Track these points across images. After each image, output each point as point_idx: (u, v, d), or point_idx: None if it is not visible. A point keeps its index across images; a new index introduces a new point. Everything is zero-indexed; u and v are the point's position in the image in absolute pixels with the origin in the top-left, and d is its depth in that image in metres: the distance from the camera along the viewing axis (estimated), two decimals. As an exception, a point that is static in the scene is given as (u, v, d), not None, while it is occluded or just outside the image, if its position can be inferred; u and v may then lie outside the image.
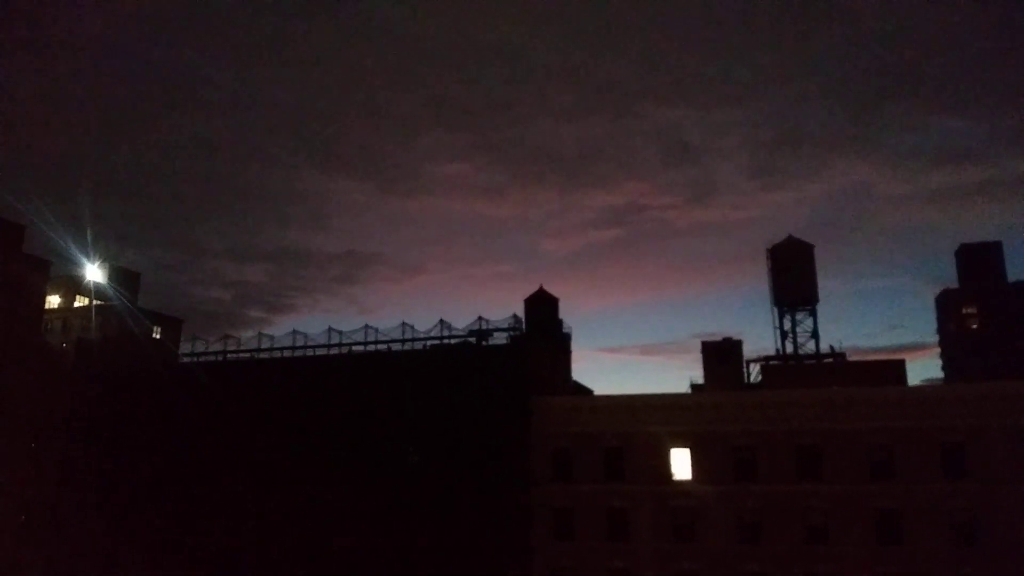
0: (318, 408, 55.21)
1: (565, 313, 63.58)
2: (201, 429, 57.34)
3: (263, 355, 60.81)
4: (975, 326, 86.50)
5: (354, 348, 58.36)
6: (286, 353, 60.29)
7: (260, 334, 62.22)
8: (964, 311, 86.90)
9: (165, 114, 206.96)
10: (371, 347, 58.01)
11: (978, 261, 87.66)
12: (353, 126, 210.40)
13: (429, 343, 57.17)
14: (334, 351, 58.73)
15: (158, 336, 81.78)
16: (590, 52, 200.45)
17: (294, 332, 60.68)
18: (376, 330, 58.19)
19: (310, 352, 59.49)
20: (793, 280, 72.32)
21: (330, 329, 59.26)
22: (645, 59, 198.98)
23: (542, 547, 49.34)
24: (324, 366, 57.56)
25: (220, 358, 61.74)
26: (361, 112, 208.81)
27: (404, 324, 57.51)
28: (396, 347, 57.44)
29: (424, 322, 56.59)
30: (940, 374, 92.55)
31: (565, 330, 63.64)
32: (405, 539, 50.73)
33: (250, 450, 55.38)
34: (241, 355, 61.55)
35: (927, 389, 55.03)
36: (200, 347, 62.97)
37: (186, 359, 63.59)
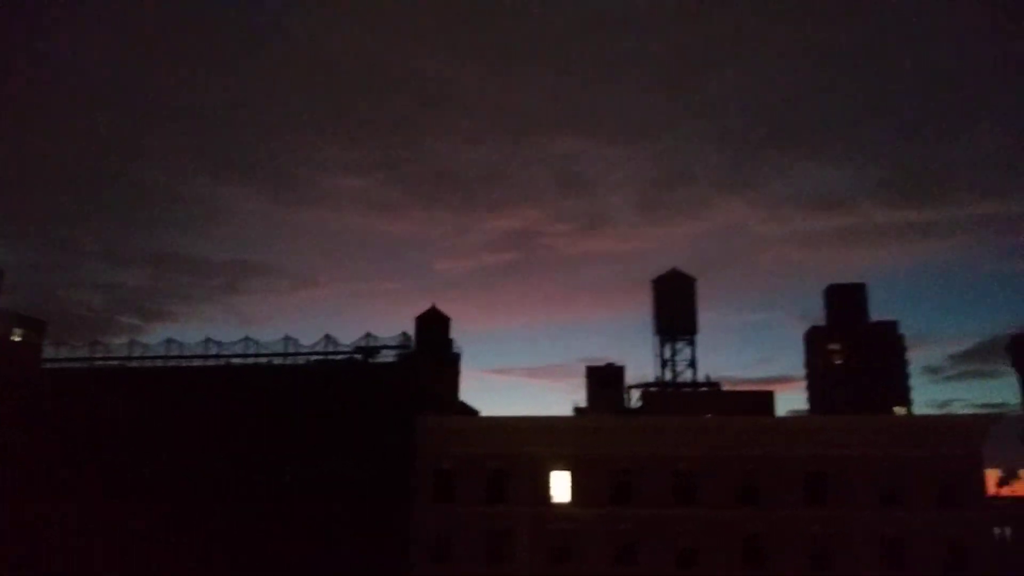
0: (190, 421, 52.73)
1: (456, 333, 63.49)
2: (62, 438, 53.59)
3: (134, 363, 57.70)
4: (839, 361, 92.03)
5: (233, 360, 56.23)
6: (159, 362, 57.40)
7: (132, 341, 59.21)
8: (829, 347, 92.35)
9: (44, 105, 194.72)
10: (251, 360, 56.05)
11: (843, 301, 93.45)
12: (249, 133, 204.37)
13: (313, 358, 55.76)
14: (211, 362, 56.37)
15: (19, 339, 76.06)
16: (493, 79, 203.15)
17: (168, 341, 57.93)
18: (257, 343, 56.34)
19: (185, 363, 56.87)
20: (675, 311, 74.93)
21: (208, 339, 56.93)
22: (546, 91, 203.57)
23: (420, 570, 48.68)
24: (199, 378, 55.10)
25: (87, 365, 58.10)
26: (258, 120, 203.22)
27: (288, 338, 55.97)
28: (278, 361, 55.73)
29: (310, 337, 55.31)
30: (806, 406, 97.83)
31: (455, 350, 63.46)
32: (277, 561, 48.94)
33: (114, 463, 52.29)
34: (110, 362, 58.19)
35: (793, 420, 58.04)
36: (66, 352, 59.11)
37: (49, 365, 59.47)
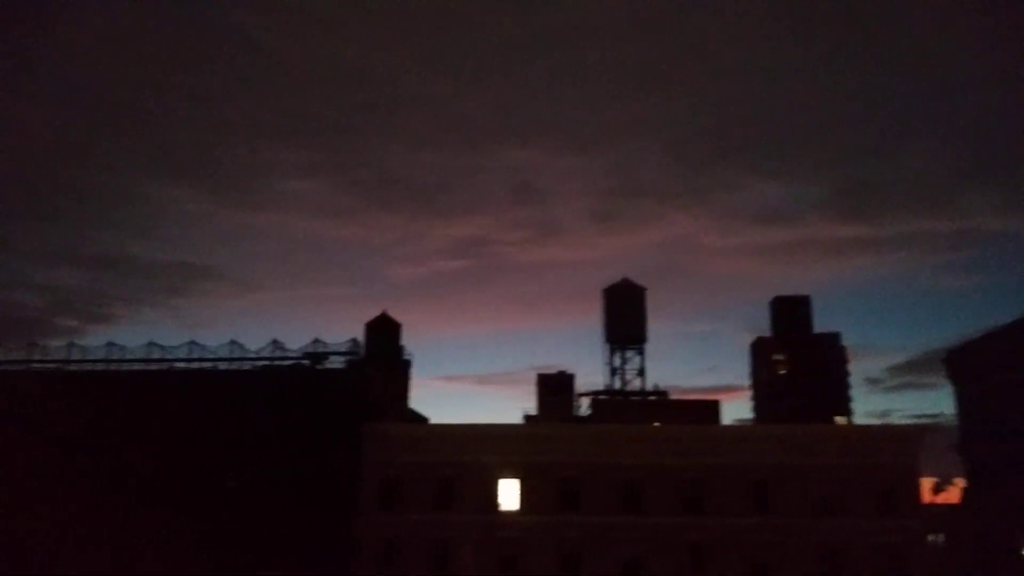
0: (131, 426, 51.47)
1: (407, 340, 63.21)
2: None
3: (73, 367, 56.04)
4: (783, 372, 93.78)
5: (177, 365, 55.04)
6: (100, 366, 55.84)
7: (71, 344, 57.42)
8: (774, 357, 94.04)
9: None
10: (196, 365, 54.94)
11: (789, 313, 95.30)
12: (194, 133, 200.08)
13: (259, 364, 54.88)
14: (154, 367, 55.08)
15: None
16: (447, 87, 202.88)
17: (109, 344, 56.42)
18: (202, 347, 55.28)
19: (126, 366, 55.45)
20: (625, 320, 75.59)
21: (151, 343, 55.63)
22: (500, 100, 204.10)
23: (365, 578, 48.20)
24: (141, 382, 53.82)
25: (24, 367, 56.20)
26: (204, 120, 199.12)
27: (233, 342, 55.01)
28: (223, 366, 54.71)
29: (257, 342, 54.33)
30: (751, 414, 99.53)
31: (406, 357, 63.15)
32: (220, 567, 47.93)
33: (50, 467, 50.72)
34: (48, 365, 56.41)
35: (737, 428, 59.14)
36: (1, 354, 57.06)
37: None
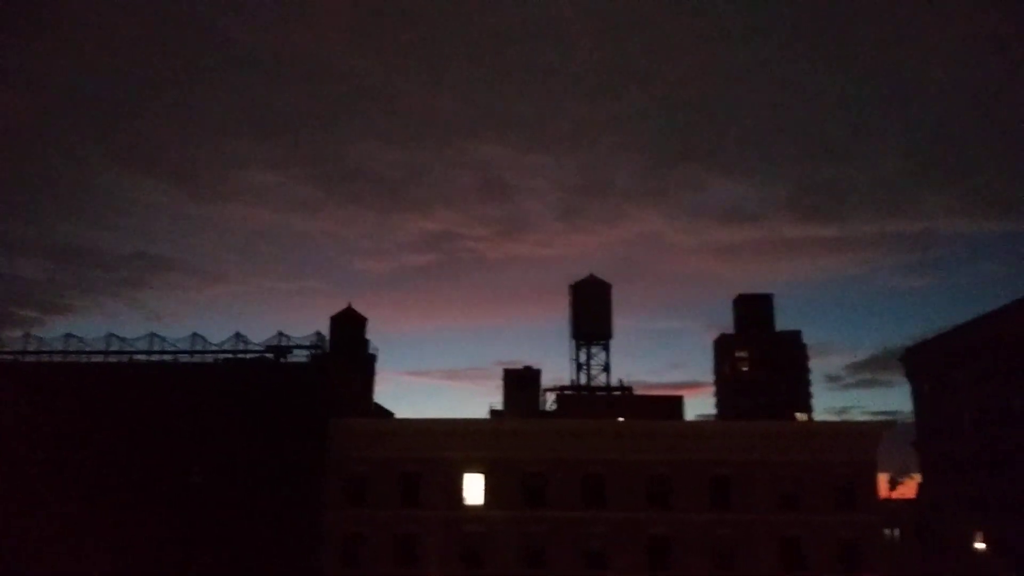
0: (90, 419, 50.46)
1: (373, 334, 62.72)
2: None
3: (30, 358, 54.77)
4: (746, 368, 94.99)
5: (136, 357, 54.05)
6: (58, 357, 54.64)
7: (28, 335, 56.12)
8: (737, 354, 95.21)
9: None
10: (156, 357, 54.02)
11: (751, 310, 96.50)
12: (160, 124, 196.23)
13: (222, 357, 54.13)
14: (113, 359, 54.02)
15: None
16: (416, 81, 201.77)
17: (68, 335, 55.23)
18: (163, 339, 54.34)
19: (85, 358, 54.31)
20: (591, 316, 75.92)
21: (110, 335, 54.54)
22: (470, 96, 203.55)
23: (329, 573, 47.84)
24: (100, 374, 52.72)
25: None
26: (169, 109, 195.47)
27: (195, 335, 54.21)
28: (185, 359, 53.88)
29: (219, 335, 53.60)
30: (713, 411, 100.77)
31: (371, 351, 62.71)
32: (181, 566, 47.27)
33: (7, 460, 49.53)
34: (5, 356, 55.06)
35: (700, 424, 59.72)
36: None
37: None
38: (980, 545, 64.70)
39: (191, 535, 47.89)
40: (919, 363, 77.53)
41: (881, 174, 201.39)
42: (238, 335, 54.37)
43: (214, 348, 54.21)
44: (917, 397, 77.89)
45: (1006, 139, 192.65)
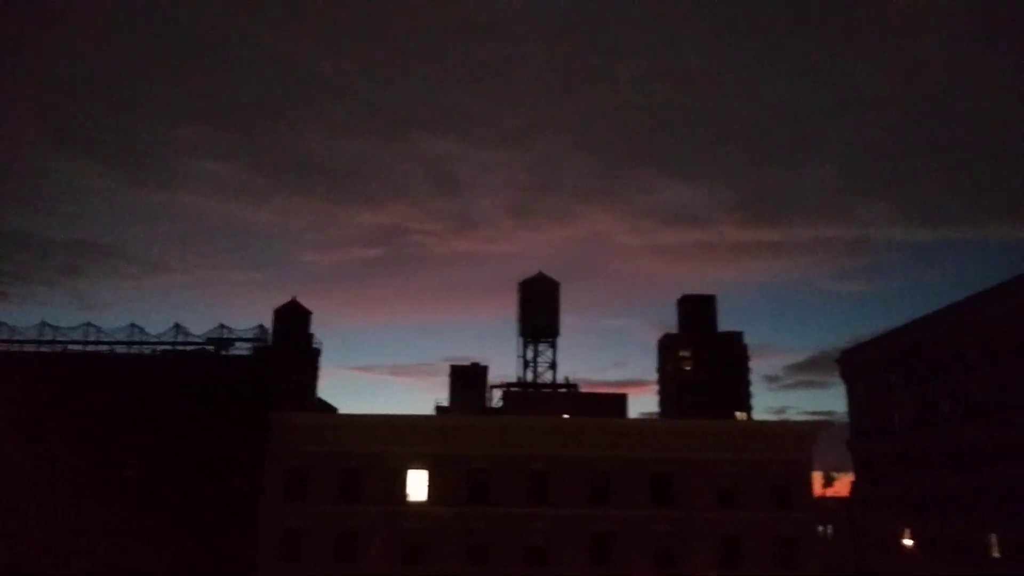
0: (21, 410, 48.70)
1: (317, 328, 61.90)
2: None
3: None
4: (688, 368, 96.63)
5: (71, 347, 52.38)
6: (-15, 347, 52.62)
7: (-46, 323, 53.83)
8: (680, 354, 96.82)
9: None
10: (92, 347, 52.44)
11: (695, 311, 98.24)
12: (101, 107, 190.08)
13: (161, 348, 52.83)
14: (46, 348, 52.25)
15: None
16: (370, 73, 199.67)
17: (-2, 324, 53.21)
18: (99, 329, 52.86)
19: (16, 347, 52.41)
20: (539, 313, 76.33)
21: (43, 323, 52.77)
22: (422, 90, 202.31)
23: (268, 570, 47.12)
24: (33, 365, 50.91)
25: None
26: (111, 92, 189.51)
27: (134, 325, 52.87)
28: (122, 350, 52.42)
29: (159, 326, 52.38)
30: (657, 409, 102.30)
31: (315, 345, 61.92)
32: (113, 560, 46.01)
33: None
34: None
35: (642, 422, 60.47)
36: None
37: None
38: (908, 542, 67.05)
39: (126, 529, 46.67)
40: (854, 365, 79.90)
41: (821, 182, 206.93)
42: (178, 326, 53.30)
43: (153, 339, 53.02)
44: (851, 398, 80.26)
45: (938, 152, 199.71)
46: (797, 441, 51.45)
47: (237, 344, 53.40)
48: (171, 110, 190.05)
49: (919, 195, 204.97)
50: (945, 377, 64.14)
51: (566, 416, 57.28)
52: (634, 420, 59.99)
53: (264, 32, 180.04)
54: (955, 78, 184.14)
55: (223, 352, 53.00)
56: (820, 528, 67.75)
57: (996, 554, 56.27)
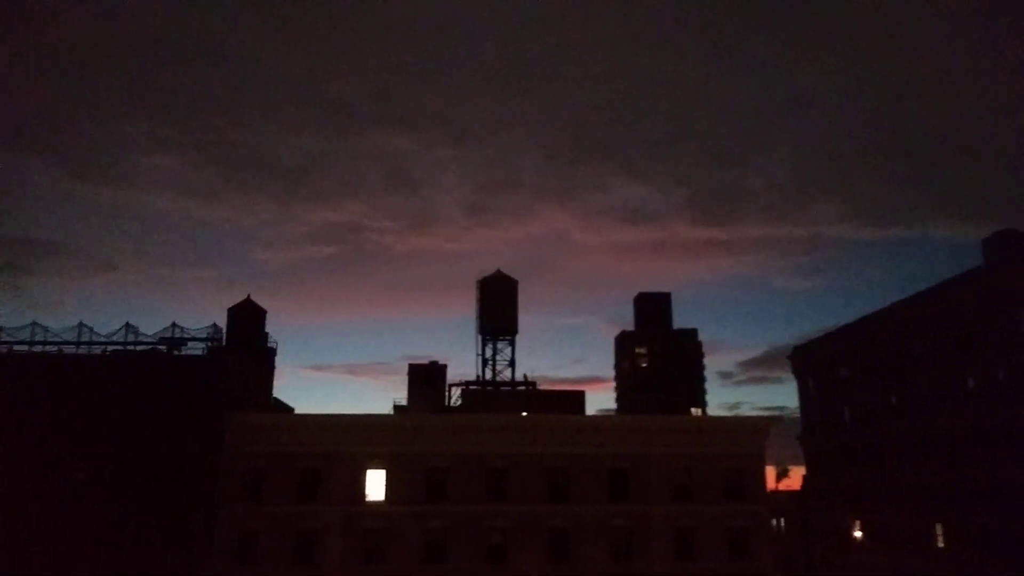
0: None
1: (273, 327, 61.33)
2: None
3: None
4: (645, 364, 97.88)
5: (17, 348, 50.93)
6: (-74, 347, 50.83)
7: None
8: (637, 351, 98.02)
9: None
10: (39, 348, 51.05)
11: (651, 308, 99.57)
12: (45, 100, 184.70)
13: (111, 349, 51.66)
14: (-10, 349, 50.68)
15: None
16: (324, 70, 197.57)
17: (-61, 324, 51.49)
18: (46, 329, 51.45)
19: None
20: (498, 311, 76.37)
21: (-12, 324, 51.18)
22: (378, 87, 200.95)
23: (223, 572, 46.46)
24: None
25: None
26: (57, 86, 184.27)
27: (82, 325, 51.56)
28: (70, 350, 51.13)
29: (109, 326, 51.22)
30: (614, 405, 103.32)
31: (271, 344, 61.21)
32: (63, 564, 44.90)
33: None
34: None
35: (599, 419, 61.16)
36: None
37: None
38: (858, 533, 68.87)
39: (76, 533, 45.57)
40: (804, 361, 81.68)
41: (773, 181, 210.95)
42: (128, 326, 52.22)
43: (103, 340, 51.81)
44: (802, 393, 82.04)
45: (887, 152, 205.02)
46: (750, 436, 52.43)
47: (190, 344, 52.48)
48: (120, 105, 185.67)
49: (867, 195, 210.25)
50: (892, 372, 65.98)
51: (524, 414, 57.52)
52: (591, 417, 60.58)
53: (219, 27, 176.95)
54: (901, 80, 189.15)
55: (176, 352, 52.04)
56: (773, 521, 69.16)
57: (941, 544, 58.17)
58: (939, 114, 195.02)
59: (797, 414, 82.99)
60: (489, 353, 77.57)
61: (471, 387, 73.40)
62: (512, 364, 77.05)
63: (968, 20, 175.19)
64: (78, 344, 51.44)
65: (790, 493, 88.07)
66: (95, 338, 51.72)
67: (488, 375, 77.18)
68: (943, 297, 59.79)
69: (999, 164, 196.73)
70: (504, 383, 75.64)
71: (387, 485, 49.54)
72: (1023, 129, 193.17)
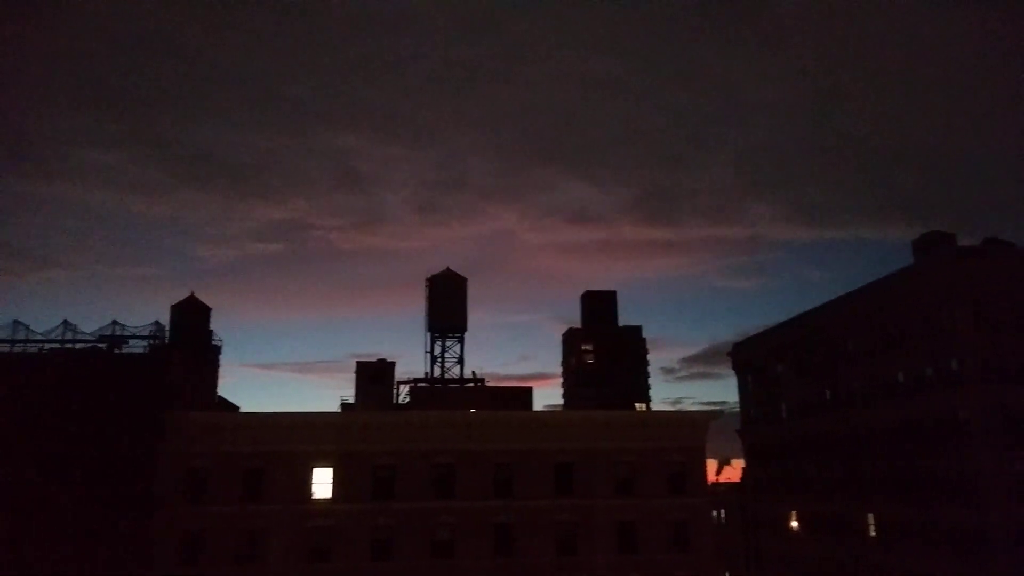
0: None
1: (218, 325, 60.60)
2: None
3: None
4: (591, 361, 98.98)
5: (-52, 347, 49.35)
6: None
7: None
8: (583, 347, 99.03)
9: None
10: (-29, 347, 49.55)
11: (597, 306, 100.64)
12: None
13: (48, 347, 50.42)
14: (-82, 348, 49.03)
15: None
16: (273, 67, 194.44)
17: None
18: (-22, 328, 49.92)
19: None
20: (447, 309, 76.52)
21: (-84, 322, 49.46)
22: (325, 83, 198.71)
23: (167, 574, 45.82)
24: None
25: None
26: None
27: (17, 323, 50.24)
28: (5, 348, 49.75)
29: (46, 323, 49.92)
30: (561, 401, 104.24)
31: (215, 342, 60.38)
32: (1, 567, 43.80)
33: None
34: None
35: (545, 414, 61.89)
36: None
37: None
38: (794, 524, 71.18)
39: (11, 536, 44.41)
40: (744, 357, 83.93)
41: (714, 183, 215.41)
42: (66, 323, 51.05)
43: (39, 338, 50.55)
44: (742, 388, 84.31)
45: (823, 156, 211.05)
46: (692, 430, 53.79)
47: (132, 342, 51.62)
48: (56, 96, 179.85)
49: (805, 198, 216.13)
50: (826, 368, 68.32)
51: (472, 410, 57.93)
52: (538, 412, 61.30)
53: (162, 19, 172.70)
54: (837, 87, 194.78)
55: (116, 350, 51.05)
56: (713, 512, 71.03)
57: (872, 533, 60.57)
58: (872, 120, 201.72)
59: (737, 408, 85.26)
60: (438, 351, 77.72)
61: (419, 384, 73.44)
62: (461, 361, 77.34)
63: (901, 26, 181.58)
64: (12, 343, 50.12)
65: (730, 485, 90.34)
66: (31, 336, 50.46)
67: (437, 373, 77.33)
68: (874, 296, 62.13)
69: (929, 168, 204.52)
70: (453, 380, 75.89)
71: (334, 483, 49.46)
72: (950, 135, 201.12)
